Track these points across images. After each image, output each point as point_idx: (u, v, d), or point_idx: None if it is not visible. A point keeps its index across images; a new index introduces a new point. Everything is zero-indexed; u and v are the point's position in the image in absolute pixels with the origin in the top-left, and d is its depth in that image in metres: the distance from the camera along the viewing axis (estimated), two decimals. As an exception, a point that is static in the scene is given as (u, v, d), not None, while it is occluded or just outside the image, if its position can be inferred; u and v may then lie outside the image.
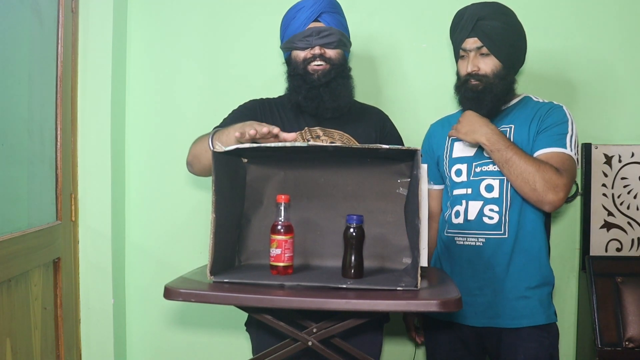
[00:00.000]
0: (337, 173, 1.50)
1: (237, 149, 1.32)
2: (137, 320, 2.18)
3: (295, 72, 1.66)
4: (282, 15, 1.72)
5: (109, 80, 2.02)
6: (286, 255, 1.34)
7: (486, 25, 1.62)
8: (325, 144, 1.39)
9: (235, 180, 1.46)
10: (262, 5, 2.14)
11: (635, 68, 2.07)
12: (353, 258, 1.32)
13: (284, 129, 1.68)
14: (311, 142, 1.57)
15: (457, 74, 1.73)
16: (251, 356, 1.43)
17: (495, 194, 1.64)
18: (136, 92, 2.17)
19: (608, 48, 2.07)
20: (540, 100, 1.71)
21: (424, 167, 1.33)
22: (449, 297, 1.17)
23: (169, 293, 1.22)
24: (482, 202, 1.66)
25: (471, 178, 1.69)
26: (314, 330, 1.29)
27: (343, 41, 1.68)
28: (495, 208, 1.64)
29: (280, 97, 1.79)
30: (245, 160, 1.52)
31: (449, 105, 2.06)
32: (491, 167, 1.66)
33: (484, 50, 1.63)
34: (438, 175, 1.82)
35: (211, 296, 1.23)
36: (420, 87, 2.13)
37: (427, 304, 1.18)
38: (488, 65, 1.64)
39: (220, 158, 1.33)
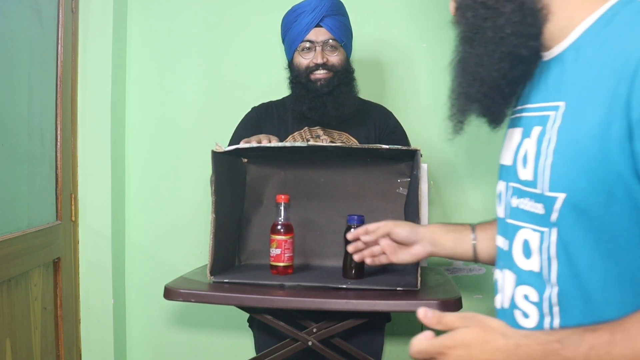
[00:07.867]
0: (337, 173, 1.50)
1: (237, 149, 1.32)
2: (137, 320, 2.18)
3: (298, 80, 1.64)
4: (282, 13, 1.71)
5: (109, 80, 2.02)
6: (286, 255, 1.34)
7: None
8: (325, 144, 1.39)
9: (235, 180, 1.46)
10: (262, 4, 2.14)
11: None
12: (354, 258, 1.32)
13: (284, 131, 1.68)
14: (311, 142, 1.57)
15: None
16: (252, 355, 1.43)
17: (534, 265, 0.78)
18: (136, 92, 2.16)
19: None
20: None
21: (424, 167, 1.33)
22: (448, 298, 1.17)
23: (169, 293, 1.22)
24: (515, 277, 0.82)
25: (507, 221, 0.86)
26: (314, 330, 1.29)
27: (346, 43, 1.65)
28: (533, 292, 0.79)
29: (283, 98, 1.77)
30: (245, 160, 1.52)
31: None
32: (528, 206, 0.79)
33: None
34: None
35: (211, 296, 1.23)
36: (420, 86, 2.12)
37: (427, 305, 1.18)
38: None
39: (220, 158, 1.33)
